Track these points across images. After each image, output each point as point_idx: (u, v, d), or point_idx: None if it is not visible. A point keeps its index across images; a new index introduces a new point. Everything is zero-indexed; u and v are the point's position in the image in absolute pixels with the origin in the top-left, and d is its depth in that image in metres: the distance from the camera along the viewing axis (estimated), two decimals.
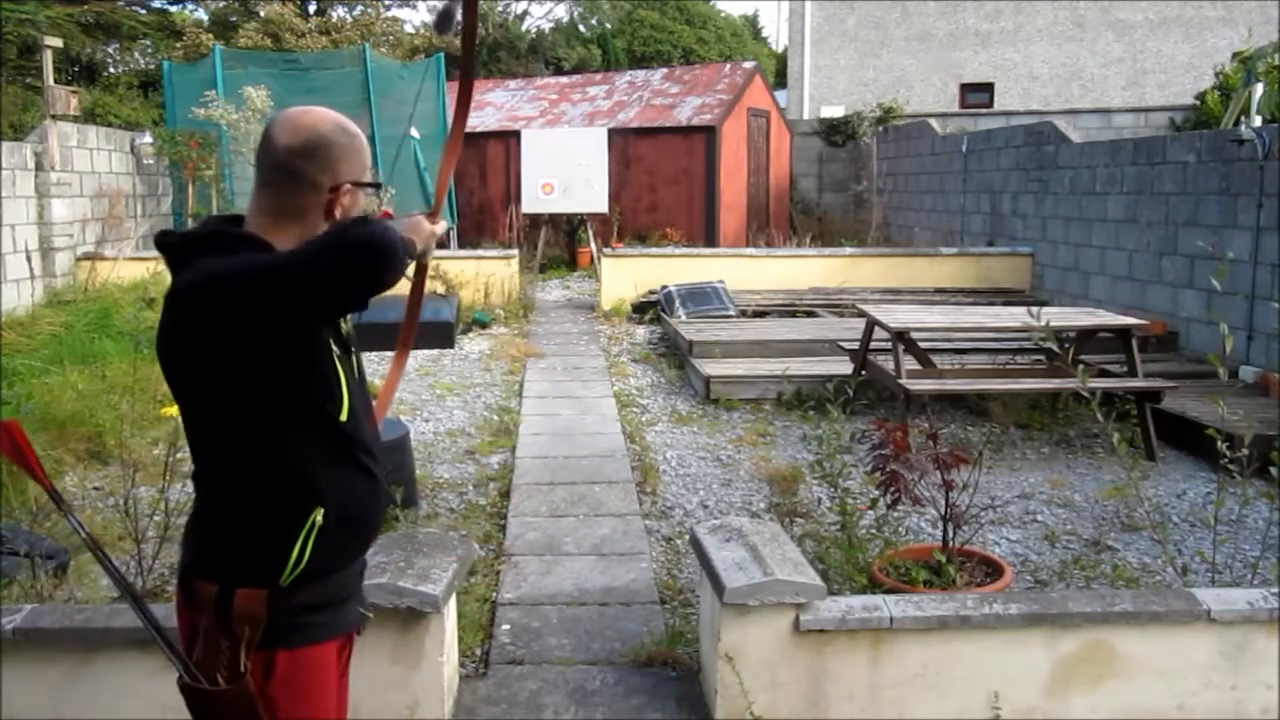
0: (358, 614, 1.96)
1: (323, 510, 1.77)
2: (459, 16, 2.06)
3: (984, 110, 17.63)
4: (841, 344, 7.75)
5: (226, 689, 1.73)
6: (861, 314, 7.18)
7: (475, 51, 2.17)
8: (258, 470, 1.75)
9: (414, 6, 54.04)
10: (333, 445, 1.79)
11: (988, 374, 6.85)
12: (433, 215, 2.01)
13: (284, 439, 1.75)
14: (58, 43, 11.20)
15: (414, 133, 13.59)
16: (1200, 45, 18.11)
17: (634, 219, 15.62)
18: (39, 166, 10.01)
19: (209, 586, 1.75)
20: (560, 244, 15.18)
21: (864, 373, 6.82)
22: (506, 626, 3.85)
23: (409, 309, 2.32)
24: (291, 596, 1.76)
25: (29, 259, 9.77)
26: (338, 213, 1.83)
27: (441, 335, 9.32)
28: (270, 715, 1.76)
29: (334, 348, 1.80)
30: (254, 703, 1.73)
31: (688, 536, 4.20)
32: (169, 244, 1.79)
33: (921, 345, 6.98)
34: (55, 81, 10.34)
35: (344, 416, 1.79)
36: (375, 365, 8.33)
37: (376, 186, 1.94)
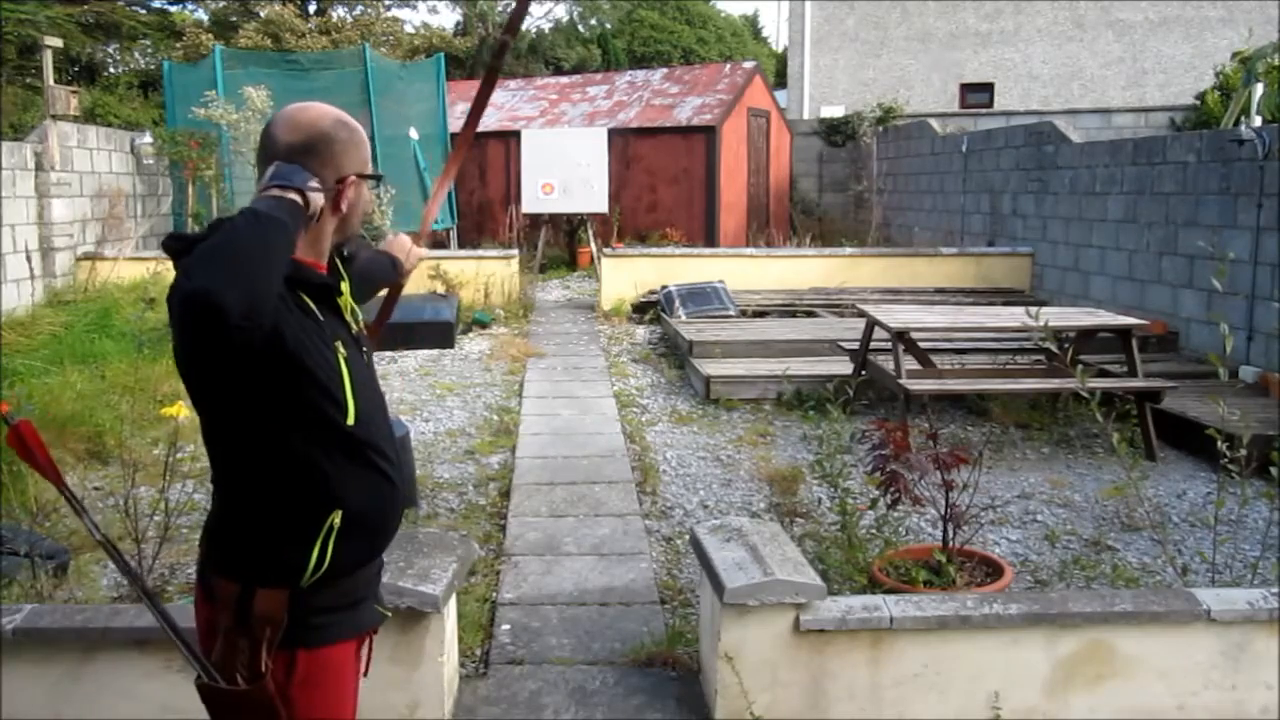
0: (375, 613, 1.96)
1: (341, 513, 1.77)
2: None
3: (984, 110, 17.64)
4: (841, 344, 7.75)
5: (246, 689, 1.72)
6: (861, 314, 7.18)
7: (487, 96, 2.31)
8: (271, 473, 1.75)
9: (414, 6, 54.05)
10: (344, 447, 1.78)
11: (988, 374, 6.85)
12: (418, 235, 2.05)
13: (294, 442, 1.74)
14: (58, 43, 11.20)
15: (413, 133, 13.59)
16: (1200, 45, 18.11)
17: (634, 219, 15.62)
18: (39, 166, 10.01)
19: (229, 586, 1.75)
20: (560, 244, 15.18)
21: (864, 373, 6.81)
22: (506, 626, 3.85)
23: (382, 309, 2.41)
24: (312, 597, 1.76)
25: (29, 259, 9.77)
26: (344, 205, 1.85)
27: (441, 335, 9.32)
28: (290, 715, 1.76)
29: (341, 349, 1.80)
30: (274, 703, 1.73)
31: (688, 536, 4.20)
32: (172, 249, 1.77)
33: (921, 345, 6.97)
34: (55, 81, 10.34)
35: (351, 420, 1.78)
36: (375, 365, 8.34)
37: (378, 179, 1.97)
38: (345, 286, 1.91)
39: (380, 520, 1.88)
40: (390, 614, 2.05)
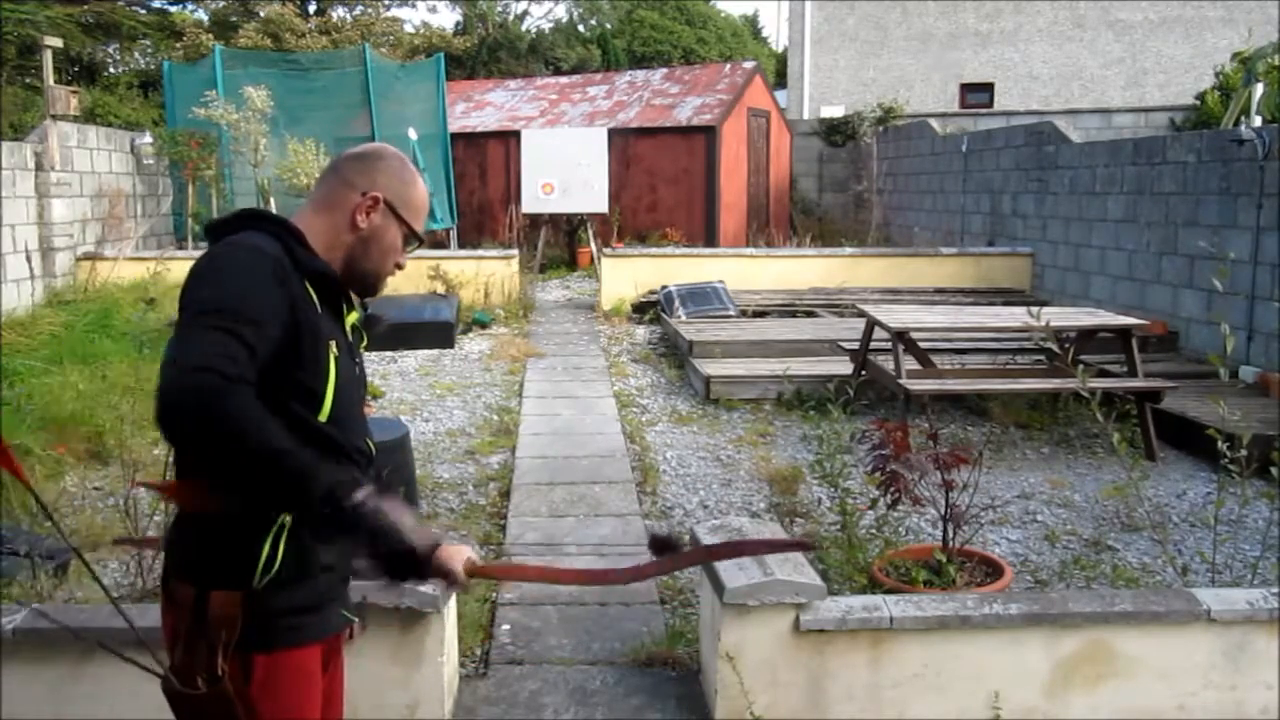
0: (341, 618, 1.92)
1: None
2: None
3: (984, 110, 17.64)
4: (841, 344, 7.75)
5: (205, 692, 1.71)
6: (861, 314, 7.18)
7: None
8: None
9: (414, 6, 54.00)
10: (311, 443, 1.73)
11: (988, 374, 6.85)
12: (478, 566, 1.90)
13: None
14: (58, 43, 11.19)
15: (412, 134, 13.60)
16: (1200, 45, 18.12)
17: (634, 219, 15.62)
18: (39, 166, 10.01)
19: (186, 589, 1.74)
20: (560, 244, 15.18)
21: (864, 373, 6.81)
22: (506, 626, 3.85)
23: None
24: (268, 599, 1.74)
25: (29, 259, 9.77)
26: (360, 221, 1.85)
27: (441, 335, 9.32)
28: (251, 719, 1.75)
29: (334, 349, 1.79)
30: (232, 706, 1.72)
31: (688, 536, 4.20)
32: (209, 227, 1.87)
33: (921, 345, 6.97)
34: (55, 81, 10.34)
35: (324, 417, 1.77)
36: (374, 365, 8.34)
37: (419, 240, 1.96)
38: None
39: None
40: (358, 619, 2.00)
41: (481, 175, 16.51)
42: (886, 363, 6.44)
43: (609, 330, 10.31)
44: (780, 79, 24.19)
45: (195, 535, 1.77)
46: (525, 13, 27.49)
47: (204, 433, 1.52)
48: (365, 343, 1.99)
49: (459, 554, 1.84)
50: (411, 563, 1.72)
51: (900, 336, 6.28)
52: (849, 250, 12.20)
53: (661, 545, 1.98)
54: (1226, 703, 3.04)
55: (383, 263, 1.90)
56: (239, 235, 1.76)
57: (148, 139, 12.35)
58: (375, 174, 1.88)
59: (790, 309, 10.37)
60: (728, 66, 18.12)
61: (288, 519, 1.74)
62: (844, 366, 7.28)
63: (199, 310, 1.62)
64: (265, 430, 1.56)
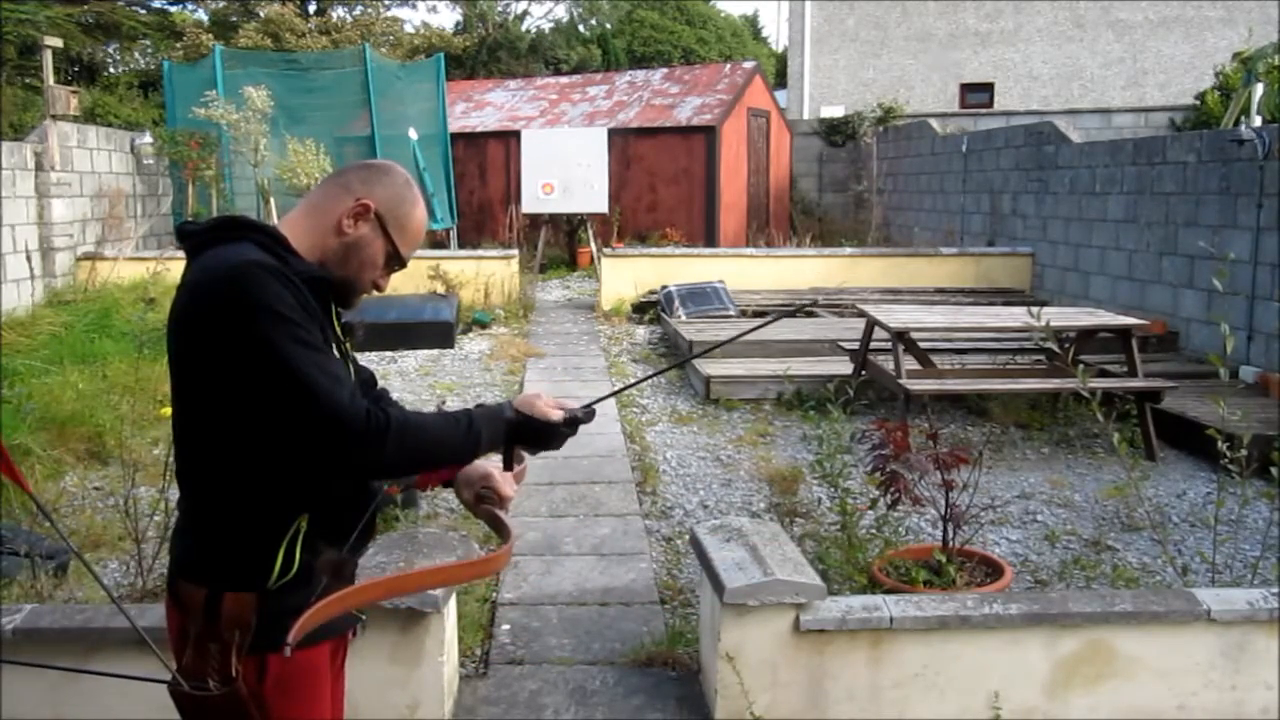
0: (350, 616, 1.93)
1: (308, 517, 1.74)
2: None
3: (984, 110, 17.64)
4: (841, 344, 7.75)
5: (219, 693, 1.71)
6: (861, 314, 7.18)
7: None
8: (243, 472, 1.72)
9: (414, 6, 54.01)
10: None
11: (988, 374, 6.85)
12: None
13: (267, 443, 1.70)
14: (58, 43, 11.20)
15: (412, 134, 13.60)
16: (1200, 45, 18.11)
17: (634, 219, 15.62)
18: (39, 166, 10.01)
19: (196, 591, 1.74)
20: (560, 244, 15.18)
21: (864, 373, 6.81)
22: (506, 626, 3.85)
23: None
24: (280, 599, 1.74)
25: (29, 259, 9.78)
26: (346, 224, 1.80)
27: (441, 335, 9.32)
28: (264, 718, 1.75)
29: (334, 352, 1.79)
30: (245, 706, 1.72)
31: (688, 536, 4.21)
32: (185, 232, 1.80)
33: (921, 345, 6.97)
34: (55, 81, 10.34)
35: None
36: (374, 365, 8.34)
37: (401, 264, 1.91)
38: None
39: (351, 523, 1.84)
40: (365, 617, 2.01)
41: (481, 175, 16.51)
42: (886, 363, 6.44)
43: (609, 330, 10.31)
44: (780, 79, 24.19)
45: (207, 538, 1.76)
46: (525, 13, 27.49)
47: (397, 464, 1.72)
48: (349, 347, 1.97)
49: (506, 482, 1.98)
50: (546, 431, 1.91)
51: (900, 336, 6.28)
52: (849, 250, 12.20)
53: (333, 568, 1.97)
54: (1226, 703, 3.04)
55: (360, 275, 1.84)
56: (233, 248, 1.69)
57: (148, 139, 12.35)
58: (375, 185, 1.83)
59: (790, 309, 10.37)
60: (728, 66, 18.12)
61: (304, 524, 1.74)
62: (844, 366, 7.28)
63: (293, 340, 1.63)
64: (423, 429, 1.73)
